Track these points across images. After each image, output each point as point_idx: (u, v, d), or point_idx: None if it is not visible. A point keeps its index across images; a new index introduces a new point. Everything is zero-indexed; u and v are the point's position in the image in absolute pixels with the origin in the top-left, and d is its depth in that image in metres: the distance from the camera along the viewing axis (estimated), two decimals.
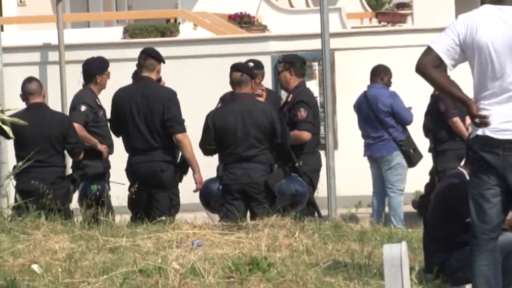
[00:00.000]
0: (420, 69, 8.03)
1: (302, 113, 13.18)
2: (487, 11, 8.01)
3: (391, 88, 15.33)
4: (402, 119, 15.23)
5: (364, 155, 15.47)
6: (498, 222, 8.10)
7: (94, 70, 13.37)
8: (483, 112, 7.86)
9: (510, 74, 7.83)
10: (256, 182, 12.27)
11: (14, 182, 12.88)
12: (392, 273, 6.92)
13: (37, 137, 12.54)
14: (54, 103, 16.06)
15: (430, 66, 8.01)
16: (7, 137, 12.12)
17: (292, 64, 13.72)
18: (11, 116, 11.99)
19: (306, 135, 13.29)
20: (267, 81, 15.44)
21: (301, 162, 13.31)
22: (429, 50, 7.97)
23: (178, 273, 8.55)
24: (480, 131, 7.96)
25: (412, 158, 15.43)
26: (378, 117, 15.18)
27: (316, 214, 13.28)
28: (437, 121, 15.41)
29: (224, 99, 13.34)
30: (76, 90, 13.88)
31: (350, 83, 16.67)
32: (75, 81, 15.64)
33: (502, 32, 7.79)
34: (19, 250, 9.55)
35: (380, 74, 15.54)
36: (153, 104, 12.42)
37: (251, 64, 13.00)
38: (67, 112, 14.42)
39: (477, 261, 8.04)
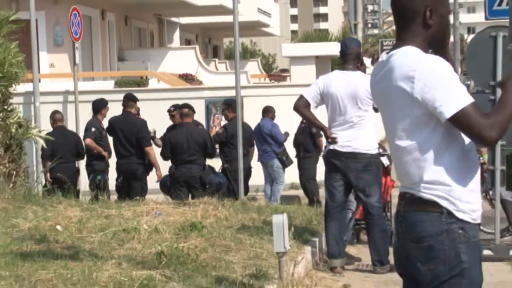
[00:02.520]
0: (296, 108, 10.11)
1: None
2: (336, 74, 10.28)
3: (275, 120, 18.53)
4: (277, 140, 18.26)
5: (258, 161, 18.44)
6: (342, 201, 10.19)
7: (99, 106, 16.30)
8: (333, 135, 9.96)
9: (349, 113, 9.80)
10: (194, 176, 14.99)
11: (48, 174, 15.51)
12: (278, 232, 8.12)
13: (62, 146, 15.38)
14: (71, 127, 19.20)
15: (302, 106, 10.05)
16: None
17: (230, 105, 16.66)
18: (46, 134, 14.75)
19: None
20: (201, 115, 18.94)
21: (227, 165, 16.43)
22: (301, 97, 10.04)
23: (146, 231, 9.85)
24: (331, 146, 10.06)
25: (286, 162, 18.39)
26: (264, 137, 18.13)
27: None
28: (307, 138, 18.16)
29: (170, 128, 16.17)
30: (86, 119, 16.64)
31: (252, 117, 19.07)
32: (85, 114, 18.43)
33: (345, 86, 9.85)
34: (48, 217, 10.71)
35: (268, 112, 18.58)
36: (131, 128, 15.35)
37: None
38: (80, 132, 17.03)
39: (329, 226, 10.18)
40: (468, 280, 4.21)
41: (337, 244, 10.12)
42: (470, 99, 4.04)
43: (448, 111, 4.04)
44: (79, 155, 16.05)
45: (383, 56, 4.36)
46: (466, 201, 4.21)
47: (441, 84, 4.07)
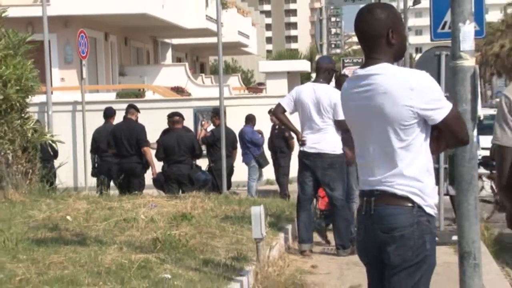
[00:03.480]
0: (274, 113, 10.51)
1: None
2: (308, 85, 10.48)
3: (256, 126, 18.71)
4: (257, 143, 18.35)
5: (242, 162, 18.55)
6: (312, 194, 10.32)
7: (110, 113, 16.65)
8: (303, 138, 10.05)
9: (315, 119, 9.89)
10: (184, 174, 15.15)
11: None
12: (255, 221, 8.12)
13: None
14: (79, 132, 19.90)
15: (279, 112, 10.20)
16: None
17: (217, 113, 16.95)
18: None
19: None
20: (189, 122, 19.09)
21: (212, 164, 16.76)
22: (279, 104, 10.21)
23: (144, 221, 9.90)
24: (301, 148, 10.19)
25: (262, 163, 18.49)
26: (245, 142, 18.16)
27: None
28: (281, 141, 18.19)
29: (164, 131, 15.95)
30: (92, 125, 17.09)
31: (234, 123, 18.84)
32: (91, 121, 18.92)
33: (312, 96, 9.94)
34: (60, 209, 10.80)
35: (250, 119, 18.59)
36: (132, 131, 15.20)
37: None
38: (87, 137, 17.47)
39: (301, 215, 10.20)
40: (428, 265, 4.26)
41: (306, 231, 10.15)
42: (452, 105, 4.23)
43: (441, 114, 4.16)
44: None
45: (358, 72, 4.35)
46: (432, 196, 4.27)
47: (435, 94, 4.18)
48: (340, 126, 9.67)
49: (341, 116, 9.19)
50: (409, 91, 4.15)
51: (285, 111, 10.11)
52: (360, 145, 4.37)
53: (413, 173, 4.21)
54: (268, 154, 18.60)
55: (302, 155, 10.14)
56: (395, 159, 4.21)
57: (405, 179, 4.21)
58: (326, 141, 9.99)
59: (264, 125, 18.80)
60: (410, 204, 4.21)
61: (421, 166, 4.23)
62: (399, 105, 4.15)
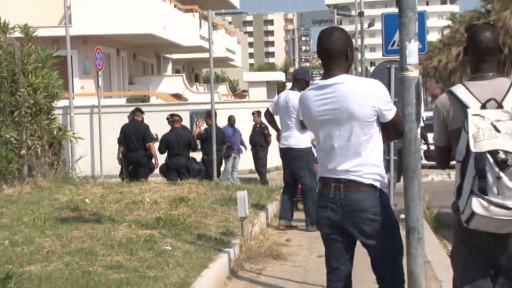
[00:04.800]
0: (264, 116, 10.41)
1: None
2: (284, 93, 10.27)
3: (240, 126, 18.81)
4: (237, 142, 18.28)
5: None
6: (291, 182, 10.17)
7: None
8: (280, 136, 10.14)
9: (286, 119, 9.90)
10: (182, 165, 15.12)
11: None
12: (240, 202, 8.07)
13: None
14: (96, 132, 19.65)
15: (267, 115, 10.23)
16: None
17: (209, 114, 16.70)
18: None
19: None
20: (186, 122, 18.94)
21: (205, 156, 16.83)
22: (267, 109, 10.21)
23: (149, 203, 9.84)
24: (278, 144, 10.34)
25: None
26: (224, 141, 17.71)
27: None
28: (261, 137, 18.19)
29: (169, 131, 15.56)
30: (107, 126, 17.31)
31: (223, 123, 18.56)
32: (105, 122, 18.99)
33: (284, 101, 9.89)
34: (80, 193, 10.89)
35: (231, 120, 18.61)
36: (139, 130, 15.09)
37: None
38: (95, 136, 18.19)
39: (283, 198, 10.30)
40: (398, 231, 4.47)
41: (285, 210, 10.17)
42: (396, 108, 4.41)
43: (392, 114, 4.32)
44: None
45: (321, 82, 4.36)
46: (385, 177, 4.38)
47: (388, 98, 4.36)
48: (302, 124, 9.63)
49: (301, 117, 9.32)
50: (372, 94, 4.24)
51: (271, 113, 10.15)
52: (326, 142, 4.34)
53: (374, 160, 4.28)
54: (249, 148, 18.52)
55: (279, 150, 10.18)
56: (360, 149, 4.24)
57: (369, 166, 4.26)
58: (292, 137, 9.96)
59: (248, 124, 18.71)
60: (374, 189, 4.27)
61: (379, 154, 4.33)
62: (365, 106, 4.21)
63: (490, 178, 3.59)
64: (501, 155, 3.58)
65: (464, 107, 3.87)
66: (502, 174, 3.57)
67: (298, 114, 9.49)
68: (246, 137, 18.63)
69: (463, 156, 3.72)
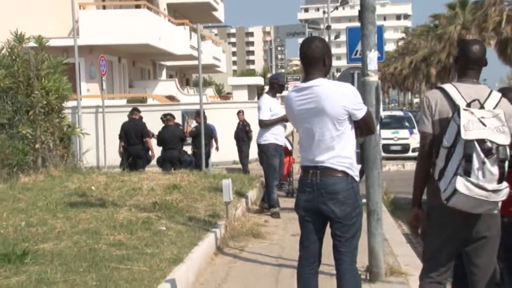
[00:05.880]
0: (262, 124, 9.70)
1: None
2: (267, 98, 9.79)
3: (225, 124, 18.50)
4: (215, 137, 17.63)
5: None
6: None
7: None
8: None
9: (260, 118, 9.69)
10: (175, 157, 15.03)
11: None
12: (225, 189, 8.07)
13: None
14: (100, 130, 19.29)
15: (263, 124, 9.65)
16: None
17: (199, 114, 16.56)
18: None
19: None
20: (178, 120, 18.14)
21: (196, 150, 16.44)
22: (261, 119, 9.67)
23: (146, 190, 9.84)
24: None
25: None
26: (212, 136, 17.33)
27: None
28: (243, 133, 17.90)
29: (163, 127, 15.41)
30: (110, 124, 16.57)
31: (211, 122, 17.90)
32: (109, 120, 18.56)
33: (273, 104, 9.67)
34: (87, 181, 10.88)
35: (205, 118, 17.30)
36: (137, 127, 14.86)
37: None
38: (99, 133, 17.60)
39: (271, 189, 9.84)
40: (361, 215, 4.37)
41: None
42: (367, 108, 4.38)
43: (362, 113, 4.30)
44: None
45: (301, 85, 4.36)
46: (357, 168, 4.35)
47: (359, 99, 4.32)
48: (259, 122, 9.70)
49: (260, 116, 9.51)
50: (343, 96, 4.23)
51: (264, 122, 9.73)
52: (306, 136, 4.35)
53: (347, 153, 4.27)
54: (234, 142, 18.28)
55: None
56: (333, 143, 4.24)
57: (342, 158, 4.25)
58: (259, 134, 9.92)
59: (232, 122, 18.53)
60: (346, 176, 4.25)
61: (351, 148, 4.30)
62: (336, 106, 4.21)
63: (475, 162, 3.69)
64: (488, 144, 3.69)
65: (453, 102, 3.97)
66: (486, 160, 3.68)
67: (259, 114, 9.55)
68: (231, 133, 18.37)
69: (451, 142, 3.80)
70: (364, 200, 4.98)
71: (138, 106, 16.90)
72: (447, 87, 4.08)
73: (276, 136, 9.76)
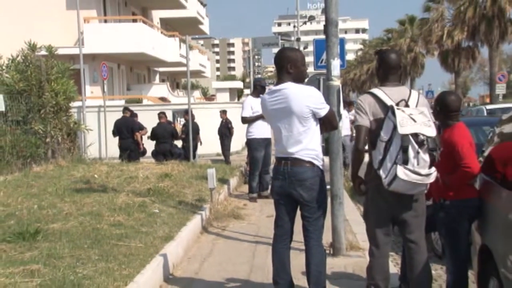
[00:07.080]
0: (243, 120, 9.49)
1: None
2: (250, 98, 9.64)
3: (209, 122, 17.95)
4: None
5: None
6: (269, 163, 9.68)
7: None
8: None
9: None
10: (167, 150, 14.71)
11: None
12: (210, 177, 7.99)
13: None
14: (102, 128, 18.76)
15: (245, 121, 9.48)
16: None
17: (187, 113, 15.72)
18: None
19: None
20: (169, 118, 17.05)
21: (185, 143, 15.65)
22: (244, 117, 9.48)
23: (141, 178, 9.76)
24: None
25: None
26: (198, 131, 16.31)
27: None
28: (226, 129, 17.19)
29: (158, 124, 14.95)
30: (111, 122, 15.40)
31: (197, 120, 16.90)
32: (110, 119, 17.35)
33: (255, 104, 9.24)
34: (90, 170, 10.61)
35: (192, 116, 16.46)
36: (128, 123, 14.59)
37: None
38: (100, 130, 16.85)
39: (252, 182, 9.80)
40: (326, 199, 4.33)
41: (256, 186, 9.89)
42: (329, 107, 4.32)
43: (324, 112, 4.24)
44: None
45: (273, 88, 4.34)
46: (322, 159, 4.32)
47: (321, 100, 4.27)
48: (241, 119, 9.55)
49: (241, 114, 9.33)
50: (307, 97, 4.20)
51: (246, 118, 9.53)
52: (278, 131, 4.32)
53: (313, 146, 4.24)
54: (217, 137, 17.81)
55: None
56: (300, 138, 4.21)
57: (309, 150, 4.23)
58: (246, 129, 9.81)
59: (216, 120, 18.16)
60: (312, 165, 4.23)
61: (316, 141, 4.28)
62: (301, 105, 4.18)
63: (411, 152, 3.80)
64: (421, 137, 3.79)
65: (383, 103, 4.05)
66: (420, 150, 3.80)
67: (243, 111, 9.39)
68: (215, 129, 17.91)
69: (388, 137, 3.88)
70: (328, 186, 4.98)
71: (134, 106, 16.73)
72: (376, 91, 4.14)
73: (260, 130, 9.60)
